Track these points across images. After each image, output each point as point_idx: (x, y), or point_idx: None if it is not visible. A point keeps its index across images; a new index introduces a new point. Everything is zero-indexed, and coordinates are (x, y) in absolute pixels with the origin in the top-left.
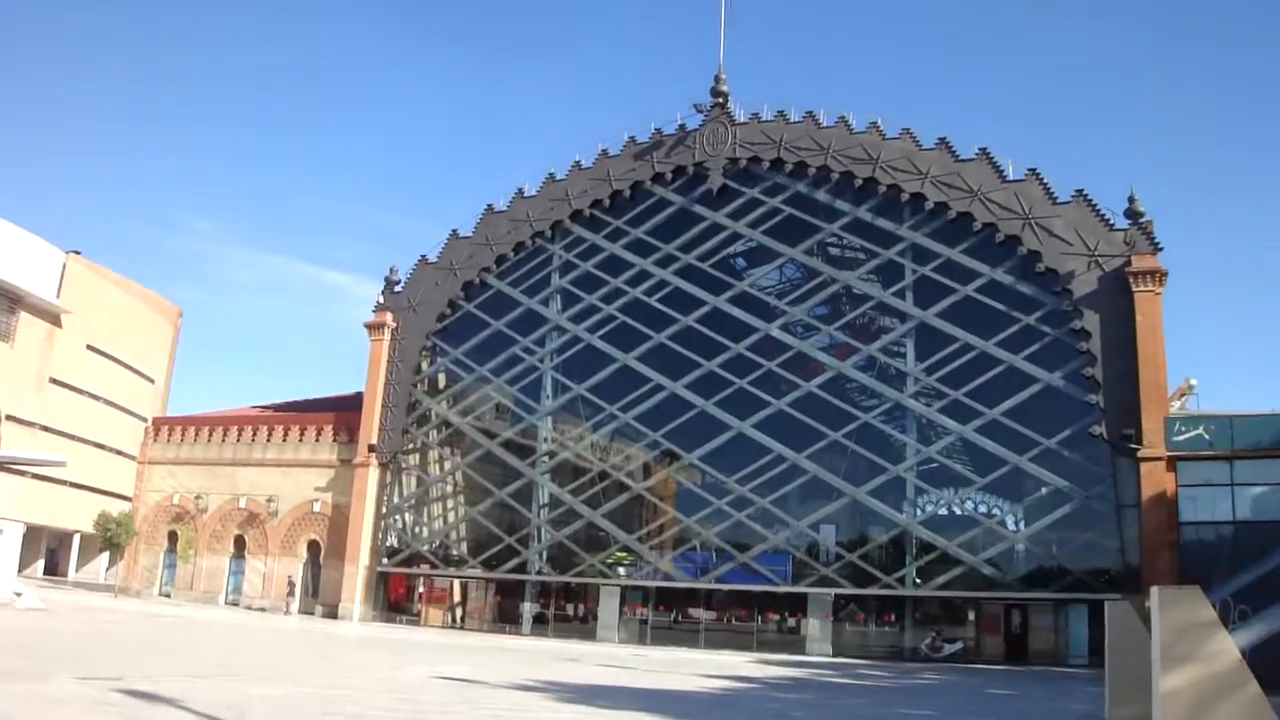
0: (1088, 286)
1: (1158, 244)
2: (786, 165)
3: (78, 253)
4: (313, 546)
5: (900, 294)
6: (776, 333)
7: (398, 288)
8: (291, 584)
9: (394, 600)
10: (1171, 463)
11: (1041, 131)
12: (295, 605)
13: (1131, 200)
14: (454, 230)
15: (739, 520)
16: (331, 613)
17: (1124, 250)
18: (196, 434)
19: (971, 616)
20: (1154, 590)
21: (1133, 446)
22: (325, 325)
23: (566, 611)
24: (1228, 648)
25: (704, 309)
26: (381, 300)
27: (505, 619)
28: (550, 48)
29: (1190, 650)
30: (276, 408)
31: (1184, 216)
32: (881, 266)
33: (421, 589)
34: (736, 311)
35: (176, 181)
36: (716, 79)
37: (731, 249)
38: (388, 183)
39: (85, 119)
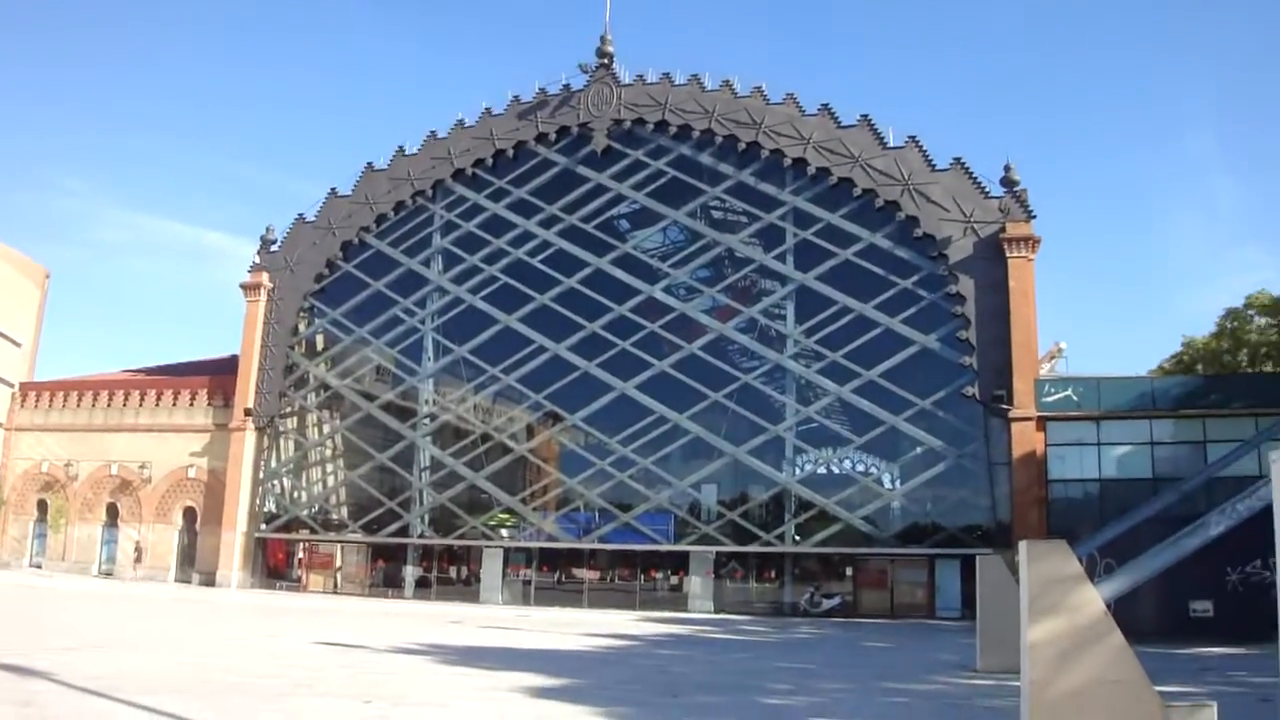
0: (963, 252)
1: (1031, 212)
2: (671, 128)
3: None
4: (189, 513)
5: (781, 257)
6: (659, 295)
7: (274, 247)
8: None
9: (274, 566)
10: (1041, 423)
11: (922, 102)
12: (171, 574)
13: (1007, 169)
14: (333, 189)
15: (621, 480)
16: (209, 580)
17: (999, 217)
18: (65, 399)
19: (849, 572)
20: (1023, 544)
21: (1004, 407)
22: (202, 287)
23: (450, 574)
24: (1093, 599)
25: (587, 270)
26: (257, 260)
27: (388, 583)
28: (434, 3)
29: (1057, 602)
30: (149, 371)
31: (1058, 185)
32: (763, 230)
33: (302, 554)
34: (619, 273)
35: (43, 137)
36: (602, 39)
37: (615, 211)
38: (267, 140)
39: None
